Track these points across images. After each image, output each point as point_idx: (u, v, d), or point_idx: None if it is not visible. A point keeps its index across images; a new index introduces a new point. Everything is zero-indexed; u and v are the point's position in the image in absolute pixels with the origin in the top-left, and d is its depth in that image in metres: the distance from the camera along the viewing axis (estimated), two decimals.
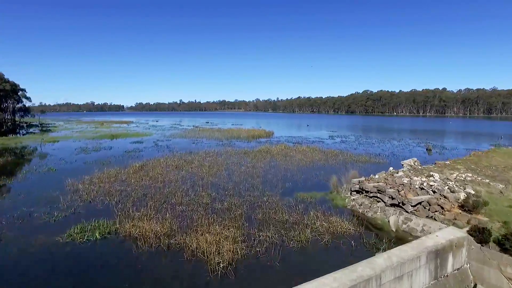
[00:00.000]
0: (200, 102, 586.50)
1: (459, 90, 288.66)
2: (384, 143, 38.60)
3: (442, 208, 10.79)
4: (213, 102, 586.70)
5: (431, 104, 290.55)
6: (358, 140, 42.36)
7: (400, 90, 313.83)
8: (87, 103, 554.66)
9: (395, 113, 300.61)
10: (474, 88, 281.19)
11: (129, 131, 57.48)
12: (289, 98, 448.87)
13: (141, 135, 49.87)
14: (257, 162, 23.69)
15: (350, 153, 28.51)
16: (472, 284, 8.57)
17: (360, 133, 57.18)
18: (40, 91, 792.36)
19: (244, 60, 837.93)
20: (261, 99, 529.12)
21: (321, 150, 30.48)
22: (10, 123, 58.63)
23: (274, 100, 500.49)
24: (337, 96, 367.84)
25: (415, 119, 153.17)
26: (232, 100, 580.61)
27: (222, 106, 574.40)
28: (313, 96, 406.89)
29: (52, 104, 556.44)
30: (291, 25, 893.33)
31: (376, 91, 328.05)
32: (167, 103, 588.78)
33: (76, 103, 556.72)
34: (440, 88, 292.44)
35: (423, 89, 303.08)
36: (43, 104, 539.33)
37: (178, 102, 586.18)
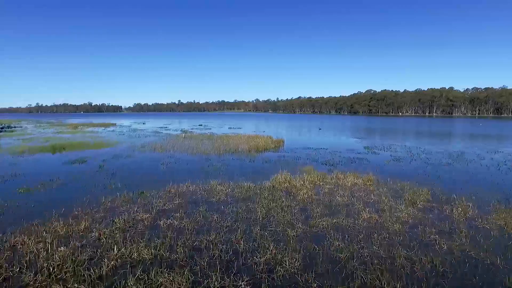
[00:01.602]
0: (199, 102, 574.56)
1: (467, 89, 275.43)
2: (464, 162, 24.20)
3: None
4: (212, 102, 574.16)
5: (437, 104, 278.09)
6: (416, 154, 28.03)
7: (405, 90, 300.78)
8: (84, 103, 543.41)
9: (400, 114, 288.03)
10: (482, 87, 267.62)
11: (94, 139, 43.06)
12: (289, 98, 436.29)
13: (101, 145, 35.39)
14: (280, 247, 9.10)
15: (460, 196, 14.16)
16: None
17: (397, 140, 42.72)
18: (39, 91, 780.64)
19: (243, 60, 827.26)
20: (260, 99, 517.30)
21: (387, 185, 16.25)
22: None
23: (274, 100, 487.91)
24: (339, 96, 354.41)
25: (427, 120, 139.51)
26: (231, 100, 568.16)
27: (222, 107, 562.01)
28: (313, 96, 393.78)
29: (49, 105, 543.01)
30: (291, 24, 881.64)
31: (379, 90, 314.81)
32: (165, 103, 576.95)
33: (73, 103, 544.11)
34: (447, 87, 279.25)
35: (428, 88, 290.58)
36: (39, 105, 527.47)
37: (177, 102, 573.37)
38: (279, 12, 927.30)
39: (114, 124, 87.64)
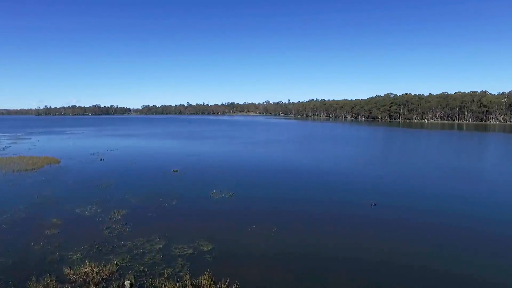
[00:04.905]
0: (208, 104, 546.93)
1: (503, 92, 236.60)
2: None
3: None
4: (221, 104, 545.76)
5: (468, 110, 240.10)
6: None
7: (430, 93, 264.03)
8: (93, 105, 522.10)
9: (426, 121, 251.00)
10: None
11: None
12: (301, 100, 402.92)
13: None
14: None
15: None
16: None
17: None
18: (50, 93, 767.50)
19: (253, 61, 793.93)
20: (271, 101, 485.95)
21: None
22: None
23: (285, 103, 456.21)
24: (355, 99, 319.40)
25: (480, 135, 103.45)
26: (241, 102, 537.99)
27: (231, 109, 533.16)
28: (327, 98, 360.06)
29: (58, 106, 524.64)
30: (304, 22, 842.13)
31: (400, 94, 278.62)
32: (174, 105, 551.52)
33: (82, 105, 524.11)
34: (479, 91, 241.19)
35: (456, 92, 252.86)
36: (48, 107, 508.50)
37: (185, 104, 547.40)
38: (291, 10, 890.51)
39: (57, 162, 57.84)
